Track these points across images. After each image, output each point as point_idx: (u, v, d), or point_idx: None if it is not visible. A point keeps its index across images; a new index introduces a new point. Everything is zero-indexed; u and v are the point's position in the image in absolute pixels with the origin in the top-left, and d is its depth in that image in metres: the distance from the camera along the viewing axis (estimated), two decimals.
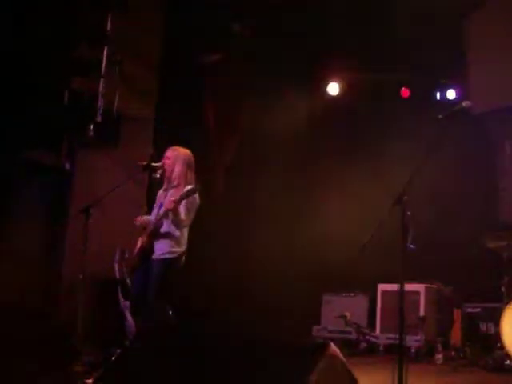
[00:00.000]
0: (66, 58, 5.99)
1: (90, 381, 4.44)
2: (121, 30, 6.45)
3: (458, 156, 7.46)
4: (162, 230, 4.74)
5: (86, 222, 4.89)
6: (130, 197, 6.10)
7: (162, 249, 4.73)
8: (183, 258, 4.81)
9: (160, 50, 7.20)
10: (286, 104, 8.85)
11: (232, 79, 8.47)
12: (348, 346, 7.06)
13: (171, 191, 4.85)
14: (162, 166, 4.89)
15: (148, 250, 4.77)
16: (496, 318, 5.74)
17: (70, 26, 5.99)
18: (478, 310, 6.36)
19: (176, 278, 4.79)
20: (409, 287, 6.60)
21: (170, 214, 4.64)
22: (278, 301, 7.77)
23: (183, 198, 4.55)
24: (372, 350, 7.14)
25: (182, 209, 4.67)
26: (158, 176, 4.95)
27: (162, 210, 4.74)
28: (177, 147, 4.98)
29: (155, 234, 4.76)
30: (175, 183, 4.85)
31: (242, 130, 8.68)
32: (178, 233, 4.76)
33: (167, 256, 4.71)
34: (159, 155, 5.11)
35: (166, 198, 4.85)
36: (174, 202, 4.54)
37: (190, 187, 4.69)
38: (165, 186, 4.98)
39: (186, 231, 4.85)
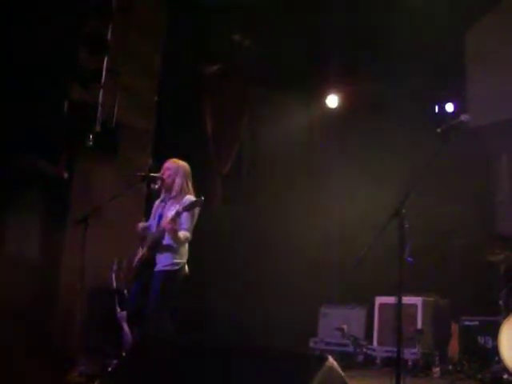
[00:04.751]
0: (66, 67, 6.01)
1: None
2: (121, 40, 6.48)
3: (456, 169, 7.48)
4: (164, 242, 4.71)
5: (84, 232, 4.89)
6: (129, 207, 6.09)
7: (164, 261, 4.70)
8: (185, 268, 4.80)
9: (160, 60, 7.24)
10: (285, 115, 8.90)
11: (231, 90, 8.51)
12: (345, 359, 7.03)
13: (170, 202, 4.86)
14: (162, 177, 4.89)
15: (148, 261, 4.76)
16: (494, 331, 5.73)
17: (70, 36, 6.02)
18: (476, 323, 6.34)
19: (178, 289, 4.78)
20: (406, 300, 6.58)
21: (168, 233, 4.65)
22: (275, 312, 7.75)
23: (186, 210, 4.55)
24: (369, 362, 7.11)
25: (185, 222, 4.68)
26: (157, 187, 4.96)
27: (163, 222, 4.73)
28: (175, 159, 4.99)
29: (156, 247, 4.75)
30: (174, 194, 4.85)
31: (240, 140, 8.70)
32: (179, 244, 4.76)
33: (170, 268, 4.69)
34: (158, 165, 5.11)
35: (164, 208, 4.85)
36: (171, 221, 4.53)
37: (192, 199, 4.69)
38: (162, 197, 4.98)
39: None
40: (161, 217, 4.82)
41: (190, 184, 4.92)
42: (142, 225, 4.96)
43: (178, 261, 4.73)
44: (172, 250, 4.71)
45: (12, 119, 5.71)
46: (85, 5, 6.14)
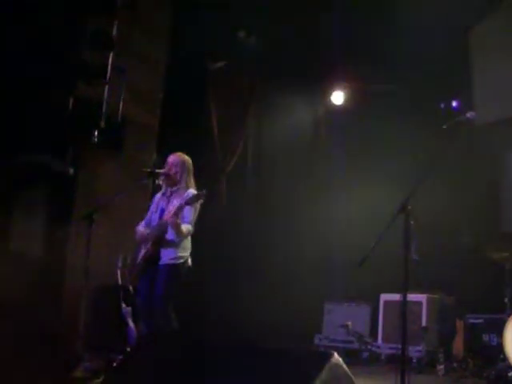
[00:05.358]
0: (70, 64, 6.01)
1: None
2: (126, 36, 6.48)
3: (461, 166, 7.46)
4: (167, 237, 4.74)
5: (89, 228, 4.90)
6: (134, 203, 6.09)
7: (169, 255, 4.73)
8: (188, 261, 4.82)
9: (165, 56, 7.23)
10: (290, 112, 8.89)
11: (236, 88, 8.50)
12: (350, 356, 7.03)
13: (173, 196, 4.87)
14: (168, 173, 4.89)
15: (152, 257, 4.77)
16: (499, 329, 5.72)
17: (74, 32, 6.02)
18: (481, 320, 6.32)
19: (181, 284, 4.79)
20: (411, 297, 6.57)
21: (172, 228, 4.66)
22: (279, 310, 7.75)
23: (188, 204, 4.56)
24: (374, 359, 7.12)
25: (187, 216, 4.68)
26: (162, 182, 4.97)
27: (165, 216, 4.74)
28: (179, 153, 5.00)
29: (159, 242, 4.76)
30: (178, 188, 4.87)
31: (244, 139, 8.69)
32: (182, 238, 4.77)
33: (174, 262, 4.72)
34: (162, 161, 5.12)
35: (167, 202, 4.86)
36: (174, 215, 4.54)
37: (195, 192, 4.70)
38: (163, 190, 4.99)
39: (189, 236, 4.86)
40: (163, 211, 4.85)
41: (192, 178, 4.94)
42: (140, 232, 4.95)
43: (182, 254, 4.76)
44: (175, 244, 4.73)
45: (16, 116, 5.72)
46: (90, 1, 6.14)
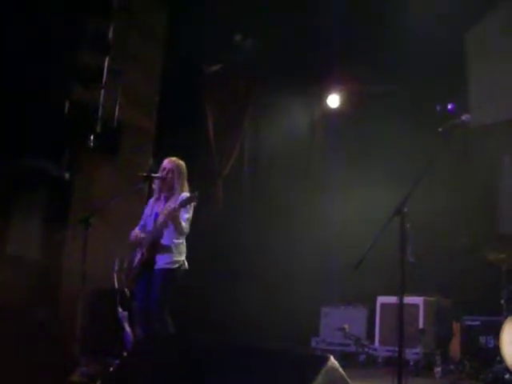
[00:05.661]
0: (67, 67, 6.01)
1: None
2: (122, 41, 6.48)
3: (457, 168, 7.47)
4: (163, 241, 4.75)
5: (86, 232, 4.89)
6: (130, 207, 6.09)
7: (164, 259, 4.73)
8: (185, 264, 4.82)
9: (161, 60, 7.24)
10: (286, 114, 8.90)
11: (232, 90, 8.50)
12: (347, 359, 7.04)
13: (168, 200, 4.87)
14: (164, 177, 4.90)
15: (148, 261, 4.76)
16: (495, 331, 5.73)
17: (71, 37, 6.02)
18: (478, 323, 6.33)
19: (177, 288, 4.79)
20: (408, 300, 6.55)
21: (171, 223, 4.66)
22: (276, 313, 7.74)
23: (182, 206, 4.57)
24: (371, 362, 7.12)
25: (182, 216, 4.69)
26: (156, 187, 4.98)
27: (161, 218, 4.74)
28: (174, 158, 5.01)
29: (155, 245, 4.76)
30: (173, 192, 4.87)
31: (241, 141, 8.70)
32: (178, 241, 4.77)
33: (170, 266, 4.72)
34: (159, 165, 5.12)
35: (163, 207, 4.86)
36: (173, 210, 4.56)
37: (188, 195, 4.72)
38: (157, 195, 4.99)
39: (184, 239, 4.86)
40: (158, 215, 4.84)
41: (186, 182, 4.95)
42: (135, 233, 4.95)
43: (178, 259, 4.77)
44: (170, 248, 4.74)
45: (13, 120, 5.71)
46: (86, 5, 6.15)
